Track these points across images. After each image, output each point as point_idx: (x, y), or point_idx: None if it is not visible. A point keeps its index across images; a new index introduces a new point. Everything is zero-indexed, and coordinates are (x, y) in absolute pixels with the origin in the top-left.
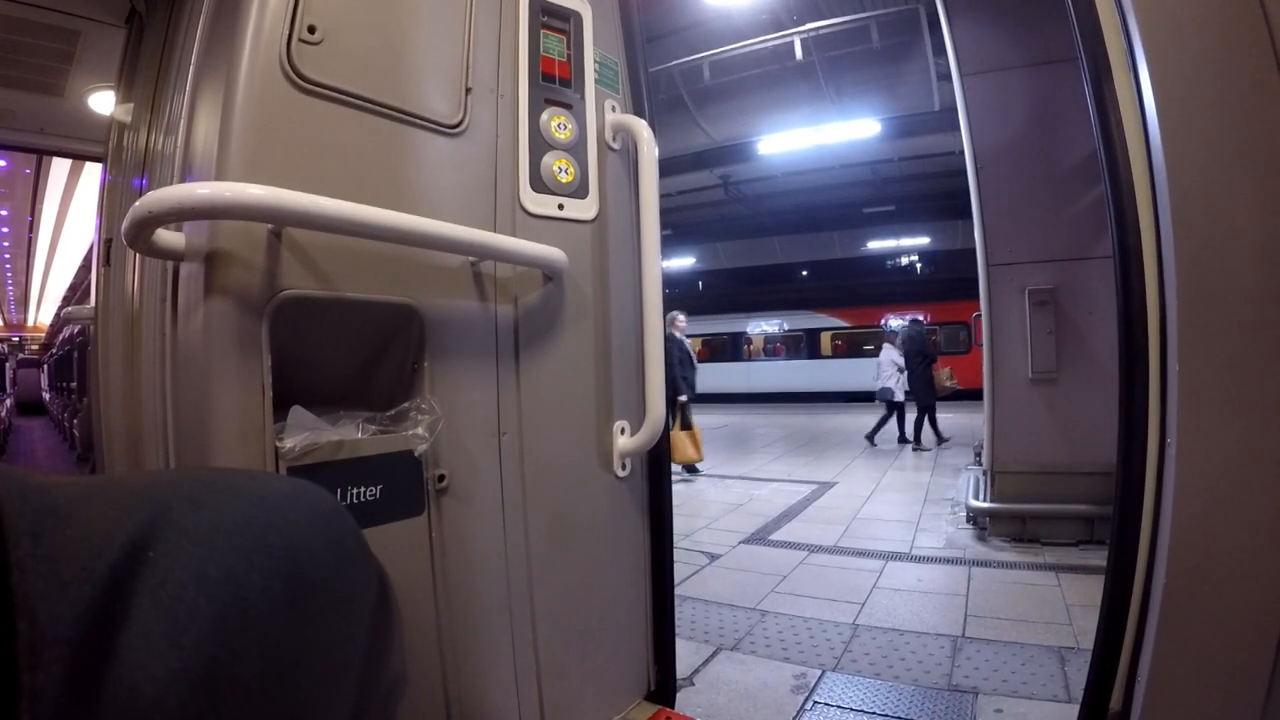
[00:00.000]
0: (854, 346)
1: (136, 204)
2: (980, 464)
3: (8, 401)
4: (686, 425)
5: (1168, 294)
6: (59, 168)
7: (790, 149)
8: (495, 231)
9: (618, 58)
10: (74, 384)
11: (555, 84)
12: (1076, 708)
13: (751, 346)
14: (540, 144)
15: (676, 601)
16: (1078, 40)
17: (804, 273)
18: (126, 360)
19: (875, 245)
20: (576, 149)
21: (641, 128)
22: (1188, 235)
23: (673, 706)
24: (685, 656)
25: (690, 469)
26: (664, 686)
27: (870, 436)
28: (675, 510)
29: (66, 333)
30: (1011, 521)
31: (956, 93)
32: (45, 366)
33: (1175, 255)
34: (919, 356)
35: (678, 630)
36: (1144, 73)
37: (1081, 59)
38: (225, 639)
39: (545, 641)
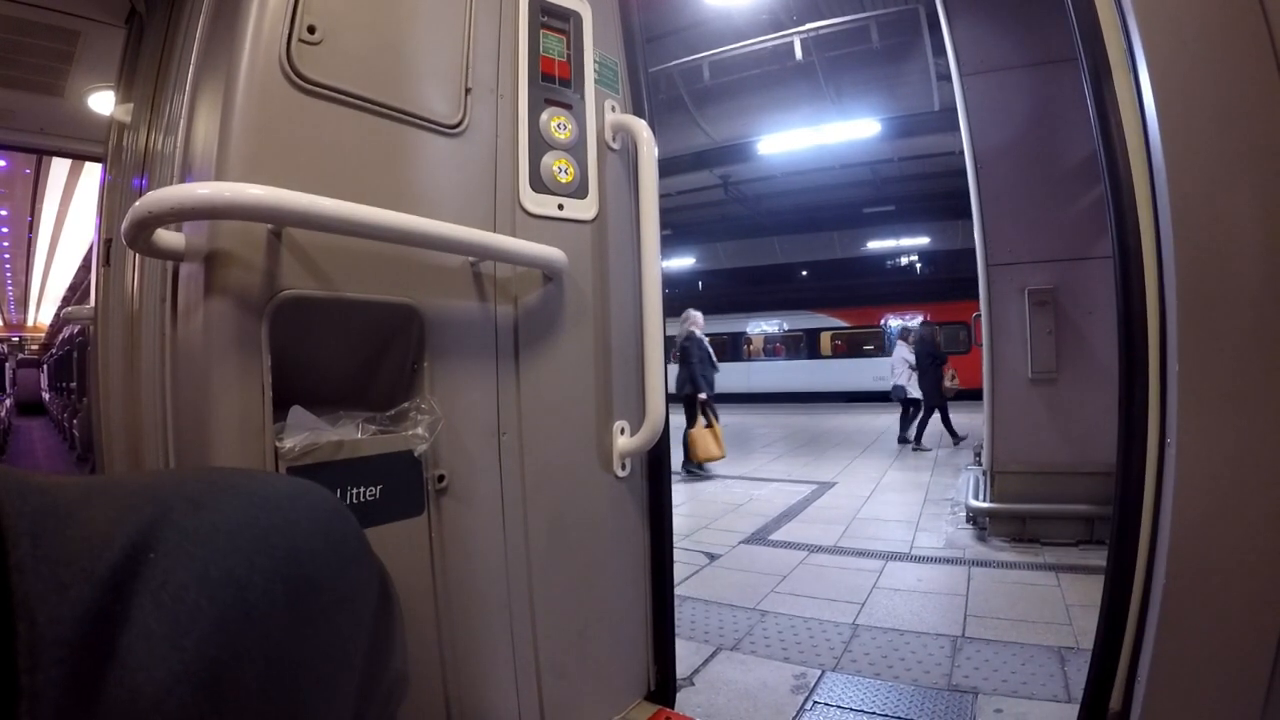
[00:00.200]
0: (854, 347)
1: (136, 204)
2: (980, 464)
3: (7, 402)
4: (709, 422)
5: (1167, 294)
6: (59, 168)
7: (790, 149)
8: (495, 231)
9: (617, 58)
10: (74, 384)
11: (555, 84)
12: (1076, 708)
13: (751, 346)
14: (540, 144)
15: (676, 601)
16: (1077, 40)
17: (804, 273)
18: (126, 360)
19: (875, 245)
20: (576, 149)
21: (641, 128)
22: (1187, 235)
23: (673, 706)
24: (685, 656)
25: (699, 467)
26: (664, 686)
27: (916, 439)
28: (675, 510)
29: (66, 333)
30: (1011, 521)
31: (956, 93)
32: (45, 366)
33: (1175, 255)
34: (929, 358)
35: (678, 630)
36: (1144, 73)
37: (1081, 59)
38: (227, 640)
39: (545, 641)
